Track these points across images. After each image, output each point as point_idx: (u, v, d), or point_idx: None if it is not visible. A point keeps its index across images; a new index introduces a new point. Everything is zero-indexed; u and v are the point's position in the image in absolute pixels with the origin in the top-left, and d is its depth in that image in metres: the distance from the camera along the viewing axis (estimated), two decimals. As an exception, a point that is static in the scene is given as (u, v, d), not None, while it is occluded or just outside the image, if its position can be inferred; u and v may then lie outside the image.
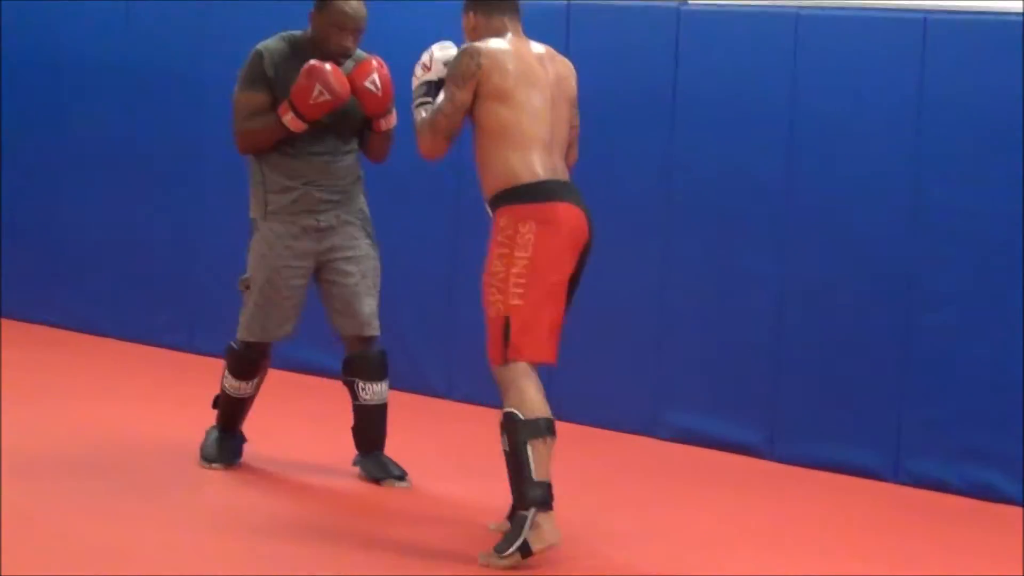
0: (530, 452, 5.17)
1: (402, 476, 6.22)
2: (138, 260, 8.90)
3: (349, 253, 6.14)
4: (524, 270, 5.26)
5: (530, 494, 5.15)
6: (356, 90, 5.95)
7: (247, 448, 6.44)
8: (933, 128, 6.55)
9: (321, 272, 6.15)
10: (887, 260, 6.69)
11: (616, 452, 7.03)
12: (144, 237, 8.88)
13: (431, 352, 7.87)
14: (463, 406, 7.69)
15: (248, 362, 6.24)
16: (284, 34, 6.13)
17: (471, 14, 5.58)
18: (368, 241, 6.20)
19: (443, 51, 5.56)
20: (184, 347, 8.61)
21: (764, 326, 6.98)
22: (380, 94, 5.96)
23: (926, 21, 6.55)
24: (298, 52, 6.00)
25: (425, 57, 5.58)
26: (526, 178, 5.32)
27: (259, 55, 6.04)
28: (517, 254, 5.27)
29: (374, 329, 6.18)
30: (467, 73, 5.36)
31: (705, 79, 7.09)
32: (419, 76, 5.57)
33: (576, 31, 7.31)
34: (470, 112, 5.40)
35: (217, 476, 6.26)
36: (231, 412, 6.34)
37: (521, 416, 5.20)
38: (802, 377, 6.90)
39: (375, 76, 5.95)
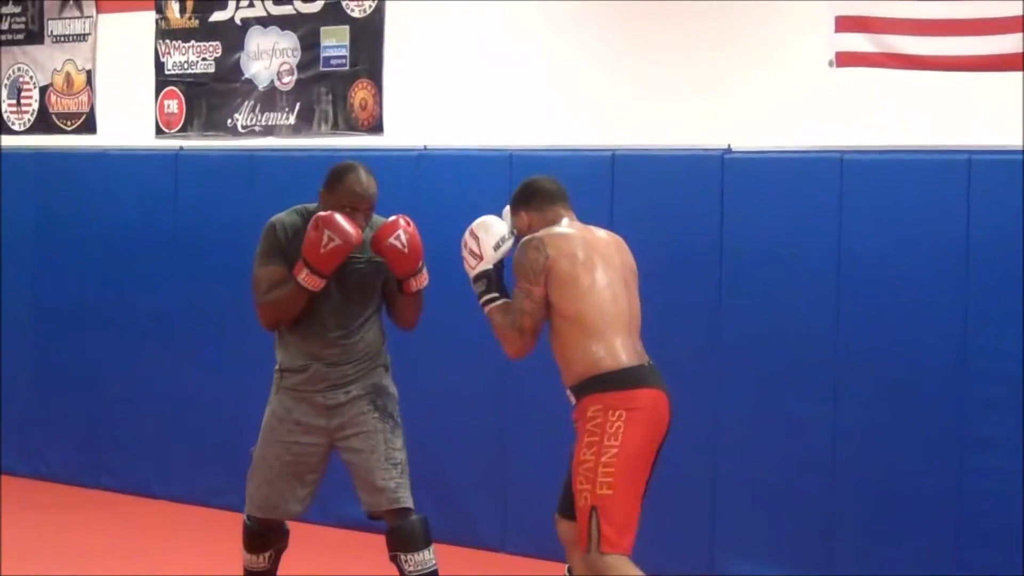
0: None
1: None
2: (188, 424, 8.90)
3: (357, 430, 5.83)
4: (613, 459, 5.13)
5: None
6: (382, 249, 5.69)
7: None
8: (981, 269, 6.53)
9: (339, 453, 5.90)
10: (937, 403, 6.63)
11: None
12: (193, 401, 8.89)
13: (484, 506, 7.79)
14: (518, 559, 7.61)
15: (258, 536, 6.01)
16: (297, 207, 5.89)
17: (523, 213, 5.45)
18: (376, 415, 5.83)
19: (487, 233, 5.43)
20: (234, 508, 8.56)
21: (817, 471, 6.90)
22: (407, 251, 5.69)
23: (970, 162, 6.54)
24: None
25: (471, 243, 5.45)
26: (611, 365, 5.20)
27: (273, 228, 5.81)
28: (607, 443, 5.14)
29: (401, 501, 5.79)
30: (537, 268, 5.23)
31: (751, 225, 7.08)
32: (472, 267, 5.43)
33: (621, 179, 7.32)
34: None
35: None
36: None
37: None
38: (856, 521, 6.81)
39: (400, 233, 5.68)
